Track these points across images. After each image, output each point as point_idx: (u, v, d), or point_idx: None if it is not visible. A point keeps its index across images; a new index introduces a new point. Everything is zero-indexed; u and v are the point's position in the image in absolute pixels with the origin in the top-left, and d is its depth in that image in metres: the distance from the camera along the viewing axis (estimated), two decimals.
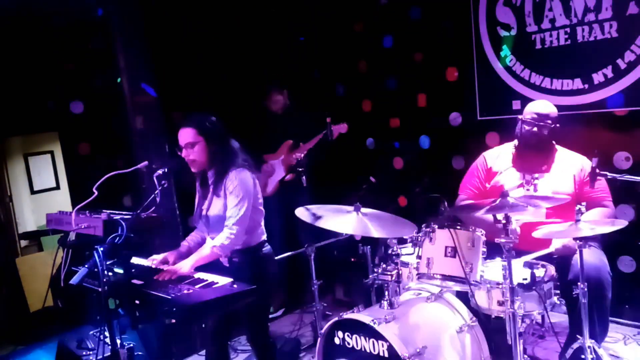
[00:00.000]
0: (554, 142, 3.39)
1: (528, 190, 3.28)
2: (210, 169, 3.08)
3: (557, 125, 3.34)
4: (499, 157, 3.50)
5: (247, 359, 3.87)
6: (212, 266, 2.98)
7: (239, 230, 2.94)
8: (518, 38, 4.13)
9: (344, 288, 4.72)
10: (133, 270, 2.76)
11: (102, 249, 2.39)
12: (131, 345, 3.06)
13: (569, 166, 3.32)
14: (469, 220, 3.28)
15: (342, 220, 2.90)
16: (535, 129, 3.29)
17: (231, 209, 2.96)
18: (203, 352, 3.74)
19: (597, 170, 2.85)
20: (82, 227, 2.72)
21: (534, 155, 3.36)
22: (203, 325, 3.15)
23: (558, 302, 2.93)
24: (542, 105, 3.39)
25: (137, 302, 2.58)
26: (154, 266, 3.02)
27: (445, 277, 2.80)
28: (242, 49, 5.20)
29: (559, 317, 3.61)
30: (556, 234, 2.88)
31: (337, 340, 2.84)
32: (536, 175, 3.31)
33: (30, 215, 5.53)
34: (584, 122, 3.88)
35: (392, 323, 2.70)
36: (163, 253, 3.12)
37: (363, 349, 2.74)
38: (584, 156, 3.36)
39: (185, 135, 3.00)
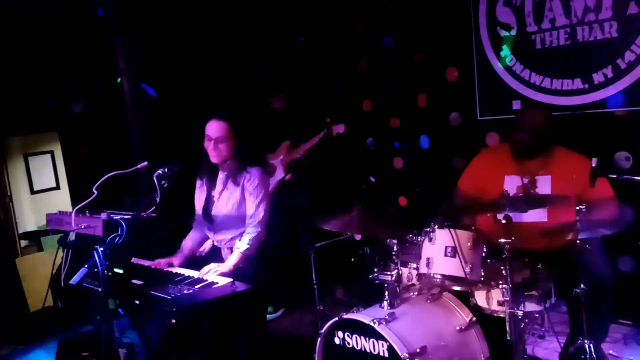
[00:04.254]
0: (551, 142, 3.37)
1: (529, 191, 3.28)
2: (224, 163, 3.10)
3: (549, 126, 3.31)
4: (497, 156, 3.50)
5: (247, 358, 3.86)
6: (215, 258, 2.99)
7: (262, 230, 3.03)
8: (518, 38, 4.12)
9: (344, 288, 4.72)
10: (133, 270, 2.76)
11: (102, 249, 2.40)
12: (131, 345, 3.07)
13: (569, 166, 3.31)
14: (470, 217, 3.29)
15: (342, 220, 2.91)
16: (525, 131, 3.27)
17: (253, 207, 3.01)
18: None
19: (597, 170, 2.84)
20: (82, 227, 2.72)
21: (530, 157, 3.35)
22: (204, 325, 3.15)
23: (558, 302, 2.93)
24: (532, 113, 3.37)
25: (137, 302, 2.58)
26: (154, 266, 3.02)
27: (445, 277, 2.80)
28: (242, 49, 5.20)
29: (559, 317, 3.61)
30: (556, 232, 2.88)
31: (337, 340, 2.84)
32: (535, 177, 3.31)
33: (30, 215, 5.53)
34: (584, 122, 3.88)
35: (392, 323, 2.70)
36: (166, 257, 3.13)
37: (363, 349, 2.74)
38: (584, 156, 3.35)
39: (218, 128, 3.05)
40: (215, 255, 3.17)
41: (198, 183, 3.25)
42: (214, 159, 3.07)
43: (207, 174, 3.19)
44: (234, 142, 3.06)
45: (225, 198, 3.07)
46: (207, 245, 3.26)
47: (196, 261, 3.20)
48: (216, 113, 3.10)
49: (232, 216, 3.06)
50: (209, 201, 3.15)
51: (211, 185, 3.16)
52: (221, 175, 3.12)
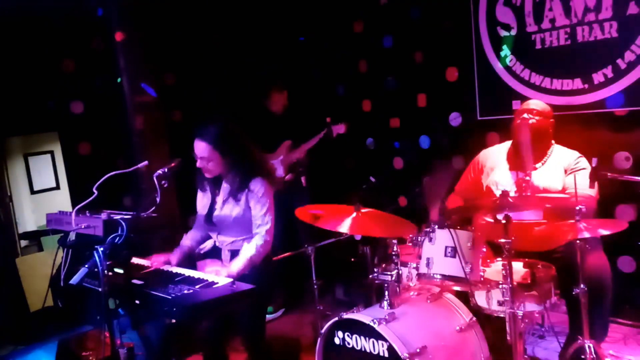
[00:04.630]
0: (549, 140, 3.38)
1: (522, 185, 3.27)
2: (227, 175, 3.07)
3: (547, 122, 3.34)
4: (493, 156, 3.51)
5: (247, 359, 3.86)
6: (215, 257, 2.99)
7: (270, 239, 3.00)
8: (518, 38, 4.12)
9: (344, 288, 4.72)
10: (133, 270, 2.76)
11: (102, 249, 2.39)
12: (131, 345, 3.07)
13: (562, 164, 3.31)
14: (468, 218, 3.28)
15: (342, 220, 2.91)
16: (525, 124, 3.28)
17: (260, 217, 2.99)
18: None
19: (596, 170, 2.84)
20: (82, 227, 2.72)
21: (526, 153, 3.35)
22: (202, 326, 3.15)
23: (558, 302, 2.93)
24: (533, 103, 3.42)
25: (137, 302, 2.58)
26: (153, 267, 3.02)
27: (445, 277, 2.80)
28: (242, 48, 5.20)
29: (559, 317, 3.61)
30: (556, 232, 2.88)
31: (337, 340, 2.84)
32: (530, 172, 3.31)
33: (30, 215, 5.53)
34: (584, 122, 3.88)
35: (392, 323, 2.70)
36: (164, 253, 3.13)
37: (363, 349, 2.74)
38: (578, 152, 3.34)
39: (200, 149, 2.99)
40: (215, 254, 3.16)
41: (204, 186, 3.22)
42: (206, 174, 3.06)
43: (209, 182, 3.16)
44: (223, 160, 3.00)
45: (229, 209, 3.05)
46: (208, 244, 3.24)
47: (196, 260, 3.19)
48: (199, 132, 3.01)
49: (237, 224, 3.05)
50: (212, 207, 3.14)
51: (215, 191, 3.15)
52: (225, 185, 3.10)
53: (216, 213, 3.10)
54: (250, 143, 3.10)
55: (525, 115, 3.30)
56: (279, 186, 4.45)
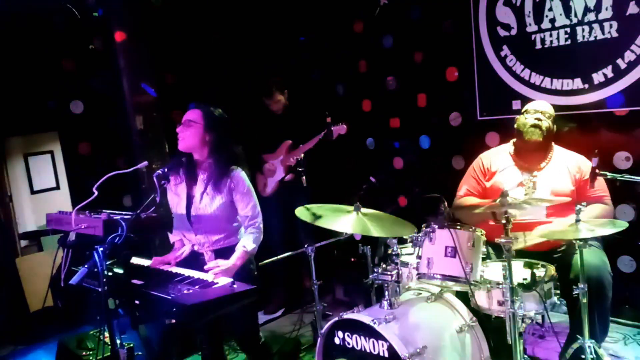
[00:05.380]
0: (551, 140, 3.39)
1: (528, 188, 3.28)
2: (203, 162, 3.06)
3: (554, 124, 3.37)
4: (496, 157, 3.50)
5: (247, 359, 3.86)
6: (194, 264, 2.98)
7: (262, 231, 3.06)
8: (518, 38, 4.12)
9: (344, 288, 4.72)
10: (133, 270, 2.76)
11: (102, 249, 2.39)
12: (131, 345, 3.07)
13: (566, 165, 3.32)
14: (469, 220, 3.28)
15: (342, 221, 2.91)
16: (538, 127, 3.29)
17: (250, 209, 3.02)
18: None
19: (597, 170, 2.84)
20: (82, 227, 2.72)
21: (532, 153, 3.36)
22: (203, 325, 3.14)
23: (558, 302, 2.93)
24: (542, 103, 3.43)
25: (137, 302, 2.58)
26: (152, 266, 3.02)
27: (445, 277, 2.80)
28: (242, 48, 5.20)
29: (559, 317, 3.61)
30: (556, 233, 2.88)
31: (337, 340, 2.84)
32: (535, 173, 3.31)
33: (30, 215, 5.52)
34: (584, 122, 3.88)
35: (392, 323, 2.70)
36: (163, 255, 3.12)
37: (363, 349, 2.73)
38: (582, 155, 3.36)
39: (190, 113, 3.06)
40: (194, 261, 3.09)
41: (173, 181, 3.15)
42: (179, 144, 3.04)
43: (185, 173, 3.12)
44: (203, 134, 3.01)
45: (208, 200, 3.03)
46: (185, 250, 3.19)
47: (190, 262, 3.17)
48: (195, 103, 3.10)
49: (218, 219, 3.02)
50: (189, 202, 3.11)
51: (191, 185, 3.11)
52: (202, 177, 3.07)
53: (195, 208, 3.06)
54: (235, 141, 3.14)
55: (539, 115, 3.31)
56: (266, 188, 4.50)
